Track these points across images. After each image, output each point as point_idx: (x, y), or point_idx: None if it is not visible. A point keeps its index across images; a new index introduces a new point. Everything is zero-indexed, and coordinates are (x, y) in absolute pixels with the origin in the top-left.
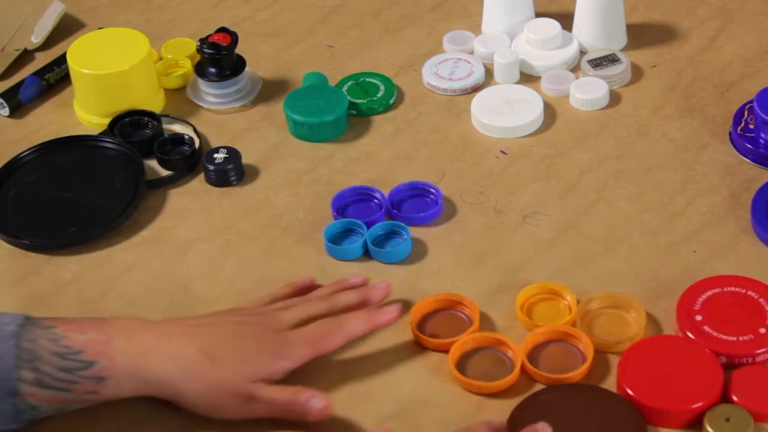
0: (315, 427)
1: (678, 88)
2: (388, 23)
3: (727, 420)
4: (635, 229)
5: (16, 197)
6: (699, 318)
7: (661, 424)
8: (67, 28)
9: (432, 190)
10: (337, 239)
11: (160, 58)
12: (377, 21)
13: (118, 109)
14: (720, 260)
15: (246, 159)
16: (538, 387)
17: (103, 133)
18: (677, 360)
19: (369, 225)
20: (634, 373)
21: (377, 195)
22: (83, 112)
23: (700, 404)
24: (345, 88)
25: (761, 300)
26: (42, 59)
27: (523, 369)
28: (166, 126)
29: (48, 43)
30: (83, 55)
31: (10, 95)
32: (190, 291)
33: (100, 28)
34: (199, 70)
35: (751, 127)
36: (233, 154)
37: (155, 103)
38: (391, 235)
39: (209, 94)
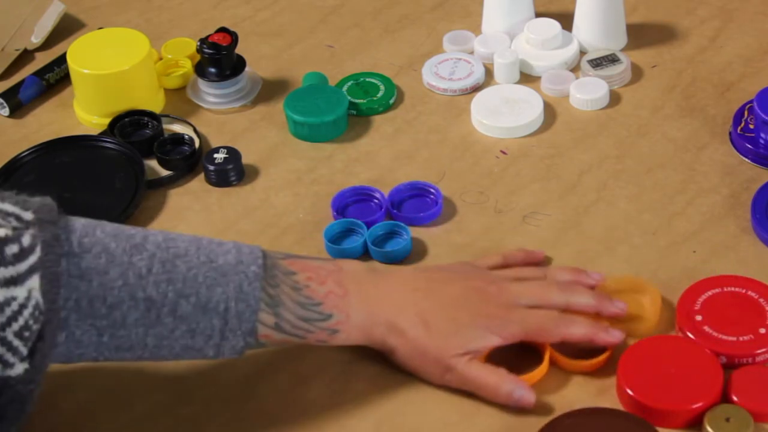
0: (314, 428)
1: (678, 88)
2: (388, 23)
3: (727, 420)
4: (635, 229)
5: None
6: (699, 318)
7: (661, 424)
8: (67, 28)
9: (432, 190)
10: (337, 239)
11: (160, 58)
12: (377, 21)
13: (118, 109)
14: (720, 260)
15: (246, 159)
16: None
17: (103, 133)
18: (677, 360)
19: (369, 225)
20: (634, 373)
21: (377, 195)
22: (83, 112)
23: (700, 404)
24: (345, 88)
25: (761, 300)
26: (42, 59)
27: (550, 359)
28: (166, 126)
29: (48, 43)
30: (83, 55)
31: (10, 95)
32: None
33: (100, 28)
34: (199, 70)
35: (751, 127)
36: (233, 154)
37: (155, 103)
38: (391, 235)
39: (209, 94)
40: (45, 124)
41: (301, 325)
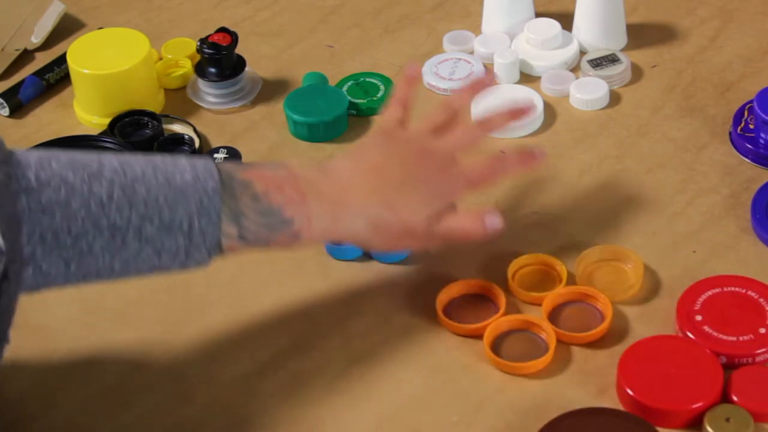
0: (314, 427)
1: (678, 88)
2: (388, 23)
3: (727, 420)
4: (635, 229)
5: None
6: (699, 318)
7: (661, 424)
8: (67, 28)
9: None
10: None
11: (160, 58)
12: (377, 21)
13: (118, 109)
14: (720, 260)
15: (246, 159)
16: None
17: (103, 133)
18: (677, 360)
19: None
20: (634, 373)
21: None
22: (83, 112)
23: (700, 404)
24: (345, 88)
25: (761, 300)
26: (42, 59)
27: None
28: (166, 126)
29: (48, 43)
30: (83, 55)
31: (10, 95)
32: (190, 291)
33: (100, 28)
34: (199, 70)
35: (751, 127)
36: (233, 154)
37: (155, 103)
38: None
39: (209, 94)
40: (45, 124)
41: (264, 234)
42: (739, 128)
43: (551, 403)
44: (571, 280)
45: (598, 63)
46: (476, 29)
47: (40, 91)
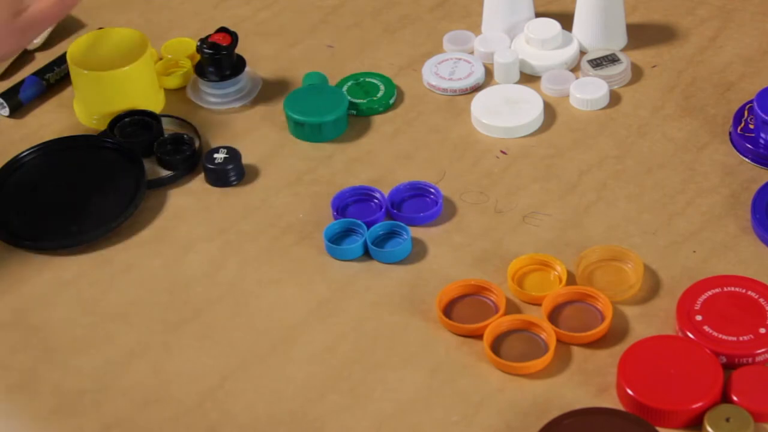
0: (314, 427)
1: (678, 88)
2: (388, 23)
3: (727, 420)
4: (635, 229)
5: (16, 197)
6: (699, 318)
7: (661, 424)
8: (67, 28)
9: (432, 190)
10: (337, 239)
11: (160, 58)
12: (377, 21)
13: (118, 109)
14: (720, 260)
15: (246, 159)
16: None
17: (103, 133)
18: (677, 360)
19: (369, 225)
20: (634, 373)
21: (377, 195)
22: (83, 112)
23: (700, 404)
24: (345, 88)
25: (761, 300)
26: (42, 59)
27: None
28: (166, 126)
29: (48, 43)
30: (83, 55)
31: (10, 95)
32: (190, 291)
33: (100, 28)
34: (199, 70)
35: (751, 127)
36: (233, 154)
37: (155, 103)
38: (391, 235)
39: (209, 94)
40: (45, 124)
41: None
42: (739, 128)
43: (551, 403)
44: (571, 280)
45: (598, 63)
46: (476, 29)
47: (40, 91)
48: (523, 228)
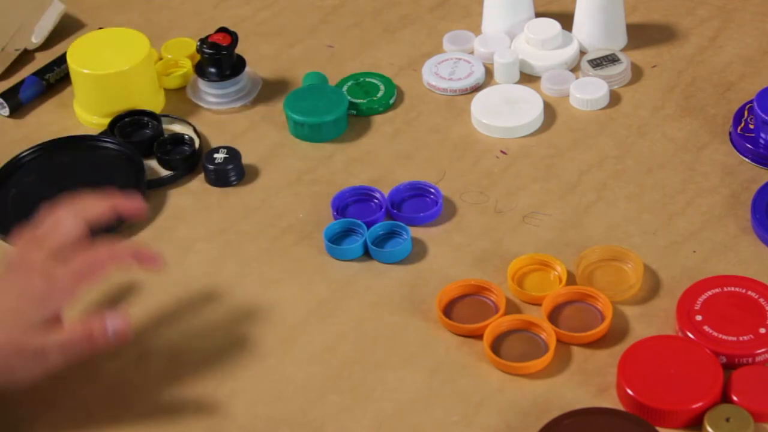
0: (314, 427)
1: (678, 88)
2: (388, 23)
3: (727, 420)
4: (635, 229)
5: (16, 197)
6: (699, 318)
7: (661, 424)
8: (67, 28)
9: (432, 190)
10: (337, 239)
11: (160, 58)
12: (377, 21)
13: (118, 109)
14: (720, 260)
15: (246, 159)
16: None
17: (103, 133)
18: (677, 360)
19: (369, 225)
20: (634, 373)
21: (377, 195)
22: (83, 112)
23: (700, 404)
24: (345, 88)
25: (761, 300)
26: (42, 59)
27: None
28: (166, 126)
29: (48, 43)
30: (83, 55)
31: (10, 95)
32: (190, 291)
33: (100, 28)
34: (199, 70)
35: (751, 127)
36: (233, 154)
37: (155, 103)
38: (391, 235)
39: (209, 94)
40: (45, 124)
41: None
42: (739, 128)
43: (551, 403)
44: (571, 280)
45: (598, 63)
46: (476, 29)
47: (40, 91)
48: (523, 228)
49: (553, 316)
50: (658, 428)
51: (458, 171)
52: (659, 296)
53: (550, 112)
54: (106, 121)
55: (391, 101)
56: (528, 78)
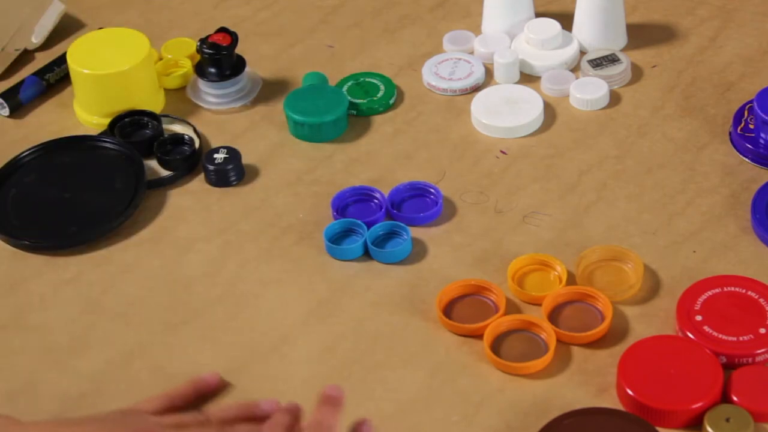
0: None
1: (678, 88)
2: (388, 23)
3: (727, 420)
4: (635, 229)
5: (16, 197)
6: (699, 318)
7: (661, 424)
8: (67, 28)
9: (432, 190)
10: (337, 239)
11: (160, 58)
12: (377, 21)
13: (118, 109)
14: (720, 260)
15: (246, 159)
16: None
17: (103, 133)
18: (677, 360)
19: (369, 225)
20: (634, 373)
21: (377, 195)
22: (83, 112)
23: (700, 404)
24: (345, 88)
25: (761, 300)
26: (42, 59)
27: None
28: (166, 126)
29: (48, 43)
30: (83, 55)
31: (10, 95)
32: (190, 291)
33: (100, 28)
34: (199, 70)
35: (751, 127)
36: (233, 154)
37: (155, 103)
38: (391, 235)
39: (209, 94)
40: (45, 124)
41: None
42: (739, 128)
43: (551, 403)
44: (571, 280)
45: (598, 63)
46: (476, 29)
47: (40, 91)
48: (523, 228)
49: (553, 316)
50: (658, 428)
51: (458, 171)
52: (659, 296)
53: (550, 112)
54: (106, 121)
55: (391, 101)
56: (528, 78)
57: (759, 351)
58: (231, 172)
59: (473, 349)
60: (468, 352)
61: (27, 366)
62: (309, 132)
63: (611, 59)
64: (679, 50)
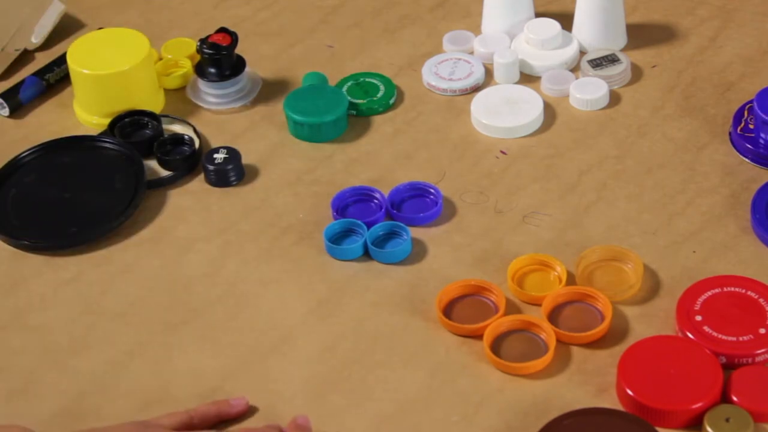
0: (314, 427)
1: (678, 88)
2: (388, 23)
3: (727, 420)
4: (635, 229)
5: (16, 197)
6: (699, 318)
7: (661, 424)
8: (67, 28)
9: (432, 191)
10: (337, 239)
11: (160, 58)
12: (377, 21)
13: (118, 109)
14: (720, 260)
15: (246, 159)
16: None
17: (103, 133)
18: (677, 360)
19: (369, 225)
20: (634, 373)
21: (377, 195)
22: (83, 112)
23: (700, 404)
24: (345, 88)
25: (761, 300)
26: (42, 59)
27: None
28: (166, 126)
29: (48, 43)
30: (83, 55)
31: (10, 95)
32: (190, 291)
33: (100, 28)
34: (199, 70)
35: (751, 127)
36: (233, 154)
37: (155, 103)
38: (391, 235)
39: (209, 94)
40: (45, 124)
41: None
42: (739, 128)
43: (551, 403)
44: (571, 280)
45: (598, 63)
46: (476, 29)
47: (40, 91)
48: (523, 228)
49: (553, 317)
50: (658, 428)
51: (458, 171)
52: (659, 296)
53: (550, 112)
54: (106, 121)
55: (391, 101)
56: (528, 78)
57: (759, 351)
58: (231, 172)
59: (473, 349)
60: (468, 353)
61: (27, 366)
62: (309, 132)
63: (611, 59)
64: (679, 50)
